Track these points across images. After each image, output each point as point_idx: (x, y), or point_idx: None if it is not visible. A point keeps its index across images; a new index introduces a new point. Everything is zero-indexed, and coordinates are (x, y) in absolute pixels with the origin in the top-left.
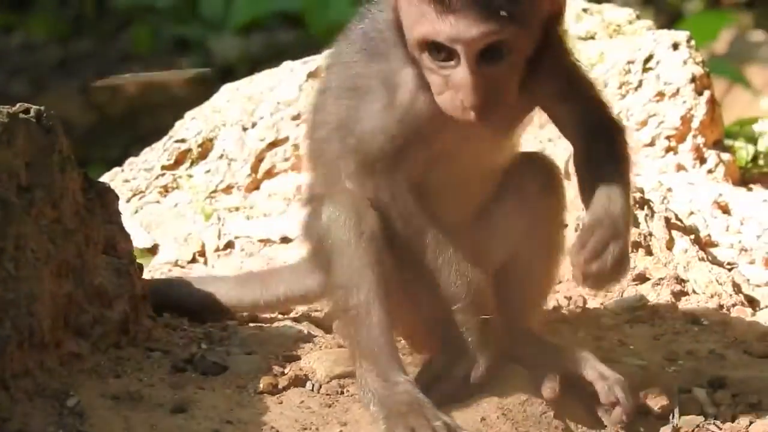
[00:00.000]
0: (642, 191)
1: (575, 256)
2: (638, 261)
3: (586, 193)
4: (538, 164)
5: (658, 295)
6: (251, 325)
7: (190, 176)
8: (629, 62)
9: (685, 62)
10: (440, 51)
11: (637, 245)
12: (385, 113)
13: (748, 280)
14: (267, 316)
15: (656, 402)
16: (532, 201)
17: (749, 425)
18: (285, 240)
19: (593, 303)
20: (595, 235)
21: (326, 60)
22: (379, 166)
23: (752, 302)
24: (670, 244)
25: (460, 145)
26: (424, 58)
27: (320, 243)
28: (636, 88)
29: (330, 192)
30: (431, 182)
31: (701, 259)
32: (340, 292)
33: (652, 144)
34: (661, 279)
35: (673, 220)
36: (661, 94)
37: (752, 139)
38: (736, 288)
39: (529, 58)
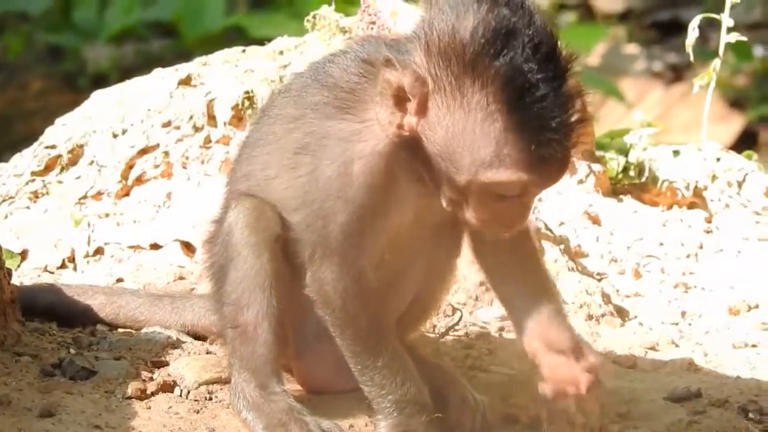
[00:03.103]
0: None
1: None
2: None
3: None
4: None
5: None
6: (120, 330)
7: (60, 182)
8: None
9: None
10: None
11: None
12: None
13: (618, 290)
14: None
15: (524, 411)
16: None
17: None
18: (155, 246)
19: (463, 311)
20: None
21: (268, 103)
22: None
23: (621, 312)
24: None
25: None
26: (476, 191)
27: (216, 256)
28: None
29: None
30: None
31: (571, 269)
32: (230, 307)
33: None
34: None
35: (543, 230)
36: None
37: (623, 151)
38: (606, 298)
39: None
